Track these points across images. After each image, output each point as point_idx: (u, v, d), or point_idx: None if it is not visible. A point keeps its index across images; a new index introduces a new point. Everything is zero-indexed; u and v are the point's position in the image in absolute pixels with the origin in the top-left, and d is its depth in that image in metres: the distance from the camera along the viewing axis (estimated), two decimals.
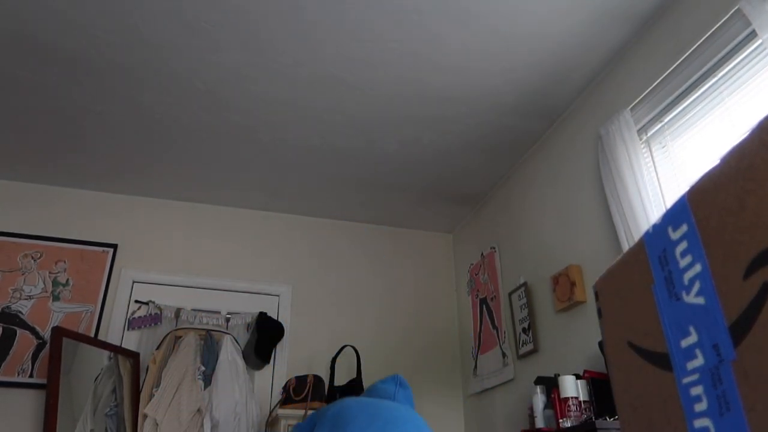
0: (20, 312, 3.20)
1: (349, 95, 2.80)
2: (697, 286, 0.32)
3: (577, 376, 2.27)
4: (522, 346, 3.02)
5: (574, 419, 2.12)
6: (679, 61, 2.14)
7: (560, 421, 2.18)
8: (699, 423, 0.31)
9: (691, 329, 0.32)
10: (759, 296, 0.27)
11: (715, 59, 2.00)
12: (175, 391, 2.91)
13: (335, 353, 3.48)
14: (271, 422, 3.11)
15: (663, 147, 2.30)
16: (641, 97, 2.34)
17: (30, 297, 3.25)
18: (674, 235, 0.34)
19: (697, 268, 0.32)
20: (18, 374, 3.05)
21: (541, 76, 2.68)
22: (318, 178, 3.55)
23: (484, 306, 3.57)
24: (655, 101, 2.28)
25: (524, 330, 3.02)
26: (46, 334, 3.13)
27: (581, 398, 2.20)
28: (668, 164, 2.26)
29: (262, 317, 3.46)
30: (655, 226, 0.36)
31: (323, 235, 3.98)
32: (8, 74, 2.64)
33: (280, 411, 3.03)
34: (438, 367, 3.77)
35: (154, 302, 3.40)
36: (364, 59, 2.56)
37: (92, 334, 3.22)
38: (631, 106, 2.38)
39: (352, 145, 3.21)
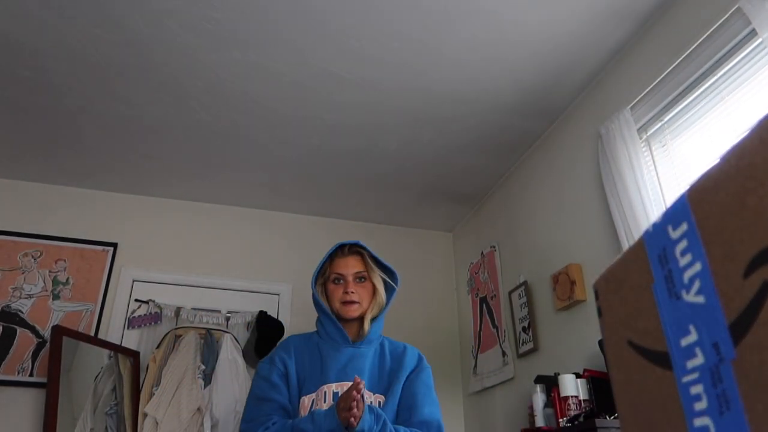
0: (20, 311, 3.20)
1: (349, 94, 2.80)
2: (696, 285, 0.32)
3: (577, 375, 2.28)
4: (522, 345, 3.03)
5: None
6: (679, 60, 2.14)
7: (560, 420, 2.18)
8: (699, 422, 0.31)
9: (691, 328, 0.32)
10: (759, 295, 0.27)
11: (715, 58, 2.00)
12: (175, 390, 2.91)
13: None
14: None
15: (663, 146, 2.30)
16: (641, 95, 2.34)
17: (30, 296, 3.25)
18: (674, 234, 0.34)
19: (697, 266, 0.32)
20: (18, 373, 3.05)
21: (541, 76, 2.68)
22: (318, 177, 3.54)
23: (484, 305, 3.57)
24: (655, 100, 2.28)
25: (524, 329, 3.02)
26: (46, 333, 3.13)
27: (581, 397, 2.20)
28: (668, 163, 2.26)
29: (262, 316, 3.46)
30: (654, 225, 0.36)
31: (323, 233, 3.97)
32: (8, 73, 2.63)
33: None
34: (438, 365, 3.75)
35: (154, 301, 3.40)
36: (364, 59, 2.56)
37: (92, 333, 3.22)
38: (631, 104, 2.37)
39: (352, 144, 3.20)
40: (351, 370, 1.57)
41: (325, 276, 1.75)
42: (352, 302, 1.66)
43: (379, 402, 1.58)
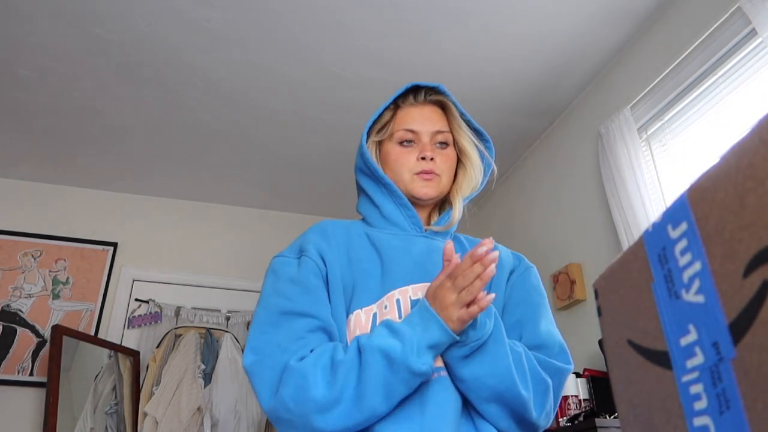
0: (20, 310, 3.20)
1: (349, 93, 2.80)
2: (696, 285, 0.32)
3: (577, 375, 2.28)
4: None
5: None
6: (679, 60, 2.14)
7: (560, 420, 2.18)
8: (699, 421, 0.31)
9: (691, 327, 0.32)
10: (759, 294, 0.27)
11: (715, 57, 1.99)
12: (175, 390, 2.91)
13: None
14: None
15: (663, 145, 2.30)
16: (641, 95, 2.34)
17: (30, 295, 3.25)
18: (674, 234, 0.34)
19: (697, 266, 0.32)
20: (18, 372, 3.05)
21: (541, 75, 2.68)
22: (318, 176, 3.54)
23: None
24: (655, 100, 2.28)
25: None
26: (46, 333, 3.13)
27: (581, 397, 2.20)
28: (668, 162, 2.26)
29: None
30: (654, 224, 0.36)
31: None
32: (8, 72, 2.63)
33: None
34: None
35: (154, 300, 3.40)
36: (364, 58, 2.56)
37: (92, 333, 3.22)
38: (632, 104, 2.37)
39: (352, 143, 3.20)
40: (432, 268, 0.99)
41: (384, 133, 1.12)
42: (432, 173, 1.07)
43: None
